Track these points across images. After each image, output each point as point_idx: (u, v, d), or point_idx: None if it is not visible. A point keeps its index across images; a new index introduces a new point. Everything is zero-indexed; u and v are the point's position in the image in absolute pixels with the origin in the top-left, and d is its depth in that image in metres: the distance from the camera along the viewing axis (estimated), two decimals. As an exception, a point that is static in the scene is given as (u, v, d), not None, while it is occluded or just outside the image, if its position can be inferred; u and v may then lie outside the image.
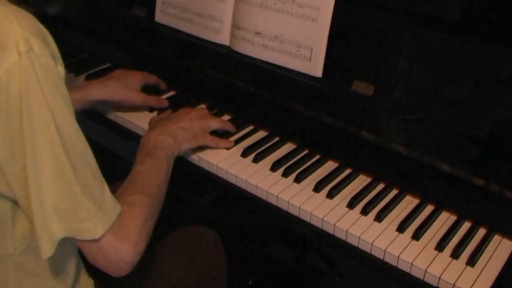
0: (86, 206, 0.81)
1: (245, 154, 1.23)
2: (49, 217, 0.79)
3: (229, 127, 1.29)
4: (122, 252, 0.86)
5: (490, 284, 0.95)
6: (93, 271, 1.04)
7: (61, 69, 0.82)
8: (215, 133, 1.27)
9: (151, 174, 1.03)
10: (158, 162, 1.07)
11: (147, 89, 1.41)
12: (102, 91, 1.31)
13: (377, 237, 1.03)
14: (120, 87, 1.32)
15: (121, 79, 1.34)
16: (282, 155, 1.23)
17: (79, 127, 0.82)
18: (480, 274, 0.96)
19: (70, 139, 0.79)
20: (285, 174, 1.17)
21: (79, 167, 0.80)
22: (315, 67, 1.23)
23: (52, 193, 0.79)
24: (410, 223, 1.06)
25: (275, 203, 1.13)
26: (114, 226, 0.85)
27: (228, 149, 1.25)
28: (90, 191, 0.82)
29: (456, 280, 0.94)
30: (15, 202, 0.83)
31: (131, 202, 0.92)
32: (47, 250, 0.81)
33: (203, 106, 1.41)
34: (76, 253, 0.96)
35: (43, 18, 0.84)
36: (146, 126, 1.28)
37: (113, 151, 1.68)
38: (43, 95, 0.76)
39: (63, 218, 0.80)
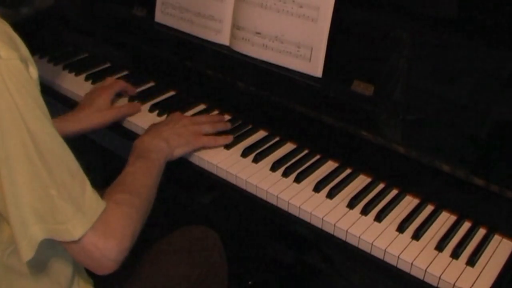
0: (64, 209, 0.81)
1: (245, 154, 1.23)
2: (28, 220, 0.79)
3: (223, 126, 1.28)
4: (106, 249, 0.85)
5: (490, 284, 0.95)
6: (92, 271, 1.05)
7: (33, 71, 0.81)
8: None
9: (140, 175, 1.03)
10: (150, 164, 1.07)
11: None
12: (75, 125, 1.28)
13: (377, 237, 1.03)
14: (91, 114, 1.29)
15: (89, 105, 1.31)
16: (282, 155, 1.23)
17: (54, 129, 0.81)
18: (480, 274, 0.96)
19: (43, 141, 0.79)
20: (285, 174, 1.17)
21: (55, 170, 0.80)
22: (315, 67, 1.23)
23: (28, 196, 0.78)
24: (410, 223, 1.06)
25: (275, 203, 1.13)
26: (96, 224, 0.84)
27: (228, 149, 1.25)
28: (68, 192, 0.81)
29: (456, 280, 0.94)
30: None
31: (117, 200, 0.92)
32: (27, 253, 0.81)
33: (203, 106, 1.41)
34: (67, 256, 0.96)
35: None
36: (146, 126, 1.28)
37: (113, 151, 1.69)
38: (12, 99, 0.75)
39: (41, 219, 0.80)
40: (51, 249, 0.91)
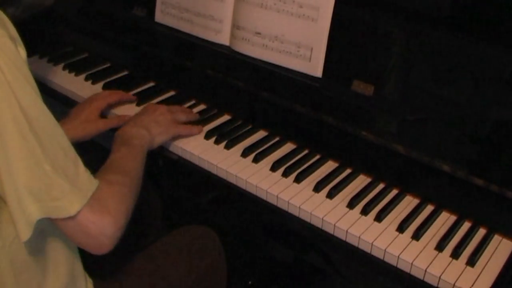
0: (59, 184, 0.81)
1: (245, 154, 1.23)
2: (24, 199, 0.79)
3: (194, 116, 1.33)
4: (103, 225, 0.85)
5: (490, 284, 0.95)
6: (92, 271, 1.05)
7: (22, 51, 0.81)
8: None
9: (126, 159, 1.04)
10: (134, 150, 1.08)
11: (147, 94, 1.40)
12: None
13: (377, 237, 1.03)
14: (77, 127, 1.26)
15: (78, 116, 1.29)
16: (282, 155, 1.23)
17: (45, 107, 0.81)
18: (480, 274, 0.96)
19: (36, 118, 0.79)
20: (285, 174, 1.17)
21: (48, 146, 0.80)
22: (315, 67, 1.23)
23: (23, 174, 0.78)
24: (410, 223, 1.06)
25: (275, 203, 1.13)
26: (91, 201, 0.84)
27: (228, 149, 1.25)
28: (62, 169, 0.81)
29: (456, 280, 0.94)
30: None
31: (108, 180, 0.92)
32: (25, 232, 0.81)
33: (203, 106, 1.41)
34: (68, 248, 0.96)
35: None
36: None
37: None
38: (4, 76, 0.75)
39: (37, 198, 0.80)
40: (48, 240, 0.91)
